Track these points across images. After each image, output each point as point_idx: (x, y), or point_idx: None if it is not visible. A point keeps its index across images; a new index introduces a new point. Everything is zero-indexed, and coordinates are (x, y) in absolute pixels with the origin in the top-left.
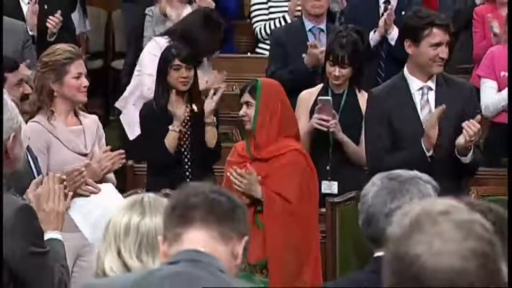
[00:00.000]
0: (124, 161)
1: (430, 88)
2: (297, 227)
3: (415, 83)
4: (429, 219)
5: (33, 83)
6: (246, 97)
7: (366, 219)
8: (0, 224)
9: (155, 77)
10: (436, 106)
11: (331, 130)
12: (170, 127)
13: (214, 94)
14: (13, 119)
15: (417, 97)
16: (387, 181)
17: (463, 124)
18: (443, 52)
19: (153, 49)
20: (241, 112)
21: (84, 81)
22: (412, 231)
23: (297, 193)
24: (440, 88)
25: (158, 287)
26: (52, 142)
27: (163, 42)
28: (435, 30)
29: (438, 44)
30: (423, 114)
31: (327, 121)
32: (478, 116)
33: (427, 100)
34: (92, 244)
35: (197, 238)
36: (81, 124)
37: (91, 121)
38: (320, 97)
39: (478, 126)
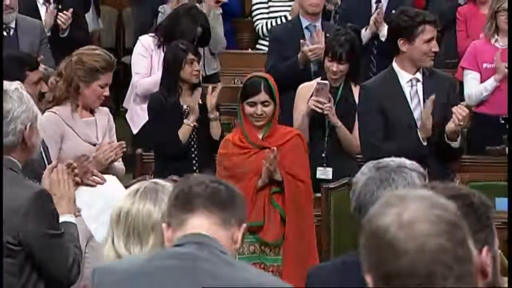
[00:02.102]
0: (124, 150)
1: (418, 80)
2: (310, 207)
3: (404, 76)
4: (397, 198)
5: (64, 71)
6: (264, 96)
7: (357, 207)
8: (0, 220)
9: (142, 76)
10: (424, 96)
11: (325, 112)
12: (185, 120)
13: (213, 90)
14: (29, 110)
15: (406, 89)
16: (375, 170)
17: (453, 109)
18: (435, 46)
19: (139, 49)
20: (259, 112)
21: (106, 92)
22: (382, 208)
23: (307, 173)
24: (427, 80)
25: (165, 266)
26: (66, 131)
27: (148, 40)
28: (427, 27)
29: (430, 40)
30: (413, 104)
31: (323, 103)
32: (464, 102)
33: (416, 91)
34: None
35: (200, 224)
36: (93, 116)
37: (102, 113)
38: (318, 81)
39: (467, 110)
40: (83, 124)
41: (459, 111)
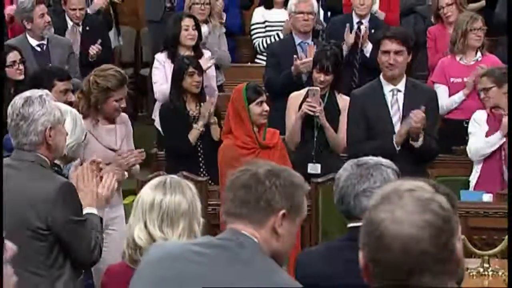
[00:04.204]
0: (144, 157)
1: (399, 90)
2: None
3: (387, 86)
4: (396, 194)
5: (86, 91)
6: (265, 96)
7: (339, 199)
8: (0, 220)
9: (159, 84)
10: (403, 105)
11: (317, 114)
12: (195, 125)
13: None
14: (49, 113)
15: (388, 98)
16: (356, 167)
17: (411, 114)
18: (390, 59)
19: (155, 64)
20: (266, 108)
21: (123, 104)
22: (381, 203)
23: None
24: (408, 91)
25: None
26: (89, 138)
27: (160, 57)
28: (386, 40)
29: (387, 52)
30: (392, 111)
31: (315, 107)
32: (423, 107)
33: (396, 100)
34: (121, 216)
35: None
36: (114, 124)
37: (122, 119)
38: (310, 88)
39: (423, 114)
40: (104, 132)
41: (416, 114)
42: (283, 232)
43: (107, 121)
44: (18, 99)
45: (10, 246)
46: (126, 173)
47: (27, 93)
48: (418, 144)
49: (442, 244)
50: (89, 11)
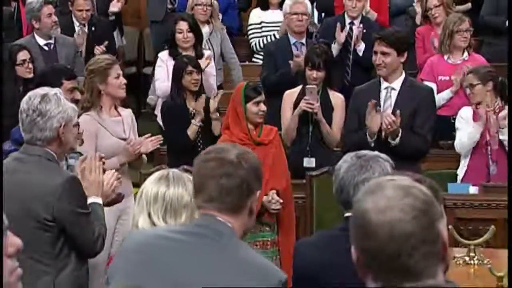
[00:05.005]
0: (161, 141)
1: (393, 89)
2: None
3: (384, 84)
4: (378, 186)
5: (84, 87)
6: (263, 96)
7: (339, 188)
8: (0, 220)
9: (161, 81)
10: (396, 103)
11: (315, 111)
12: (193, 121)
13: (215, 96)
14: (64, 111)
15: (382, 95)
16: (356, 159)
17: (383, 116)
18: (377, 59)
19: (158, 62)
20: (263, 108)
21: (123, 80)
22: (365, 195)
23: (286, 167)
24: (404, 89)
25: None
26: (99, 129)
27: (163, 55)
28: (375, 41)
29: (375, 53)
30: (384, 108)
31: (313, 104)
32: (398, 112)
33: (390, 97)
34: (132, 206)
35: None
36: (120, 115)
37: (127, 113)
38: (307, 86)
39: (393, 118)
40: (112, 122)
41: (387, 117)
42: (256, 209)
43: (113, 112)
44: (34, 96)
45: (14, 242)
46: (145, 156)
47: (42, 91)
48: (394, 143)
49: (426, 225)
50: (109, 11)
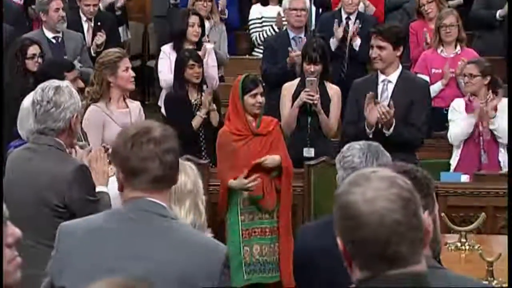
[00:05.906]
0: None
1: (390, 81)
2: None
3: (381, 77)
4: (363, 177)
5: (94, 79)
6: (261, 88)
7: (344, 176)
8: (0, 220)
9: (164, 74)
10: (392, 95)
11: (315, 103)
12: (198, 113)
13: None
14: (76, 103)
15: (380, 87)
16: (367, 146)
17: (377, 106)
18: (373, 52)
19: (161, 55)
20: (260, 100)
21: (132, 73)
22: (350, 187)
23: (287, 156)
24: (400, 82)
25: None
26: (107, 120)
27: (166, 49)
28: (372, 35)
29: (371, 47)
30: (381, 100)
31: (313, 96)
32: (391, 103)
33: (386, 90)
34: None
35: None
36: (128, 107)
37: (135, 105)
38: (308, 78)
39: (387, 108)
40: (120, 114)
41: (381, 107)
42: None
43: (121, 104)
44: (47, 88)
45: (12, 232)
46: None
47: (55, 83)
48: (388, 133)
49: (412, 213)
50: (116, 6)
